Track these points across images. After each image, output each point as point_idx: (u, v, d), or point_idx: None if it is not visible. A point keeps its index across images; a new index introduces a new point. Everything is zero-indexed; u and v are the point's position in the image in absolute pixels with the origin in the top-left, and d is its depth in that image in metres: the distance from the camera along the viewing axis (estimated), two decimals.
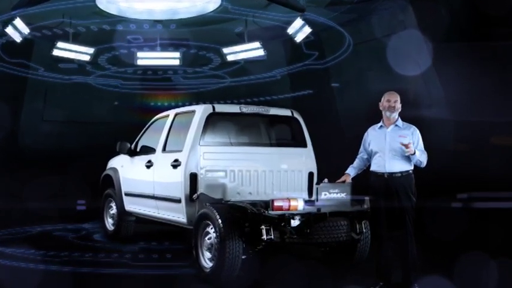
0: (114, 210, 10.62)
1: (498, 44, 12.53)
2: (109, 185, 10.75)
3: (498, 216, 11.30)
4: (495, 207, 11.63)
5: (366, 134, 7.26)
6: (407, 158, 6.84)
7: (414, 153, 6.74)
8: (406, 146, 6.70)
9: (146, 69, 17.59)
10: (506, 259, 7.74)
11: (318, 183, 7.29)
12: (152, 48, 16.25)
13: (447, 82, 13.33)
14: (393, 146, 6.85)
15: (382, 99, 7.06)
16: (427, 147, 6.98)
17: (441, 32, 12.57)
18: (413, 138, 6.91)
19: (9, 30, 13.98)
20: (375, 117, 7.16)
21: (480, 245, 8.93)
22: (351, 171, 7.31)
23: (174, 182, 8.35)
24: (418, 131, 6.97)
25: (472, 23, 12.36)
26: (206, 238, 7.53)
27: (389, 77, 13.51)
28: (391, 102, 6.97)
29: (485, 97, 12.60)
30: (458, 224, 10.51)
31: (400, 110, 7.02)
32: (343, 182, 7.21)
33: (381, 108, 7.07)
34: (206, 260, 7.55)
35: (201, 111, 8.37)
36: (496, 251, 8.31)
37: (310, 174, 8.88)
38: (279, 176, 8.64)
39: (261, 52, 15.62)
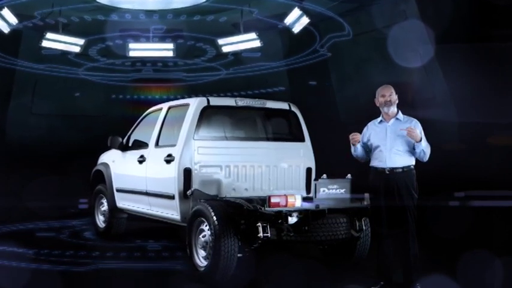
0: (105, 206, 10.57)
1: (497, 44, 12.60)
2: (100, 181, 10.70)
3: (496, 214, 11.34)
4: (492, 206, 11.69)
5: (365, 128, 7.22)
6: (409, 153, 6.81)
7: (420, 140, 6.70)
8: (410, 132, 6.65)
9: (138, 60, 17.53)
10: (507, 257, 7.73)
11: (316, 179, 7.26)
12: (145, 39, 16.19)
13: (448, 79, 13.39)
14: (395, 141, 6.81)
15: (377, 95, 7.02)
16: None
17: (443, 22, 12.56)
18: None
19: None
20: (376, 110, 7.12)
21: (480, 243, 8.94)
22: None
23: (168, 177, 8.32)
24: (419, 124, 6.92)
25: (474, 21, 12.40)
26: (200, 236, 7.51)
27: (390, 68, 13.51)
28: (386, 96, 6.93)
29: (485, 97, 12.66)
30: (456, 222, 10.53)
31: (397, 102, 6.98)
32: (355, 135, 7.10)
33: (377, 105, 7.04)
34: (200, 258, 7.53)
35: (195, 104, 8.33)
36: (497, 248, 8.31)
37: (308, 170, 8.84)
38: (276, 172, 8.61)
39: (257, 43, 15.60)
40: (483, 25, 12.32)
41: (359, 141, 7.05)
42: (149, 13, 15.12)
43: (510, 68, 12.47)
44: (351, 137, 7.06)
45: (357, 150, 7.12)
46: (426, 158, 6.83)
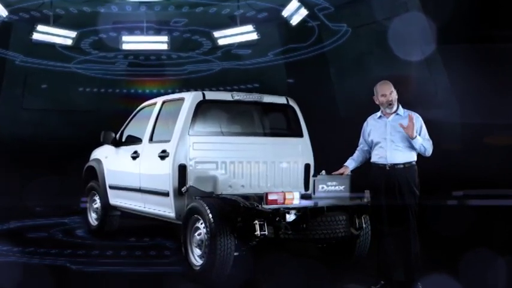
0: (97, 204, 10.56)
1: (498, 45, 12.64)
2: (92, 178, 10.69)
3: (494, 213, 11.36)
4: (491, 205, 11.73)
5: (365, 123, 7.20)
6: (410, 149, 6.79)
7: (415, 137, 6.68)
8: (406, 127, 6.65)
9: (132, 53, 17.48)
10: (509, 256, 7.74)
11: (314, 176, 7.25)
12: (138, 32, 16.15)
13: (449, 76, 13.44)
14: (395, 136, 6.79)
15: (376, 93, 6.96)
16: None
17: (444, 17, 12.56)
18: (416, 126, 6.85)
19: None
20: (375, 104, 7.09)
21: (480, 241, 8.92)
22: (350, 163, 7.25)
23: (162, 174, 8.30)
24: (420, 118, 6.91)
25: (474, 19, 12.42)
26: (196, 234, 7.49)
27: (390, 62, 13.48)
28: (387, 96, 6.87)
29: (485, 97, 12.71)
30: (455, 221, 10.54)
31: (397, 97, 6.94)
32: (341, 174, 7.16)
33: (377, 103, 6.99)
34: (196, 257, 7.51)
35: (190, 98, 8.30)
36: (497, 247, 8.31)
37: (307, 166, 8.83)
38: (273, 168, 8.59)
39: (254, 36, 15.56)
40: (483, 23, 12.34)
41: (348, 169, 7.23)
42: (143, 5, 15.07)
43: (510, 68, 12.51)
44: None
45: (353, 165, 7.22)
46: (428, 153, 6.82)
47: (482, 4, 12.20)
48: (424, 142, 6.77)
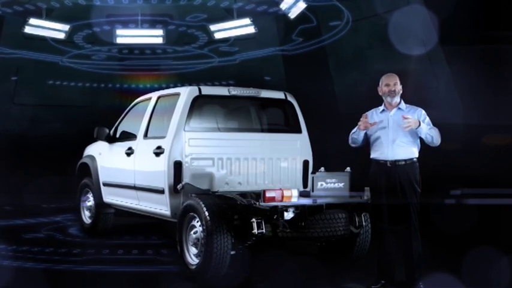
0: (91, 201, 10.54)
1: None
2: (86, 174, 10.66)
3: (493, 211, 11.40)
4: (489, 204, 11.78)
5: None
6: (412, 145, 6.79)
7: (419, 125, 6.67)
8: (407, 122, 6.63)
9: (126, 47, 17.45)
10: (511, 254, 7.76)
11: (313, 173, 7.24)
12: (133, 25, 16.11)
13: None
14: (397, 132, 6.78)
15: (380, 83, 7.00)
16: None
17: (447, 8, 12.55)
18: (419, 119, 6.84)
19: None
20: (376, 100, 7.09)
21: (480, 240, 8.93)
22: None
23: (157, 171, 8.28)
24: (423, 111, 6.91)
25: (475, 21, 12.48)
26: (192, 232, 7.48)
27: (391, 56, 13.47)
28: (391, 86, 6.91)
29: (484, 98, 12.77)
30: (454, 219, 10.55)
31: (401, 92, 6.95)
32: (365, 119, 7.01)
33: (380, 93, 7.01)
34: (192, 256, 7.51)
35: (186, 93, 8.28)
36: (499, 246, 8.32)
37: (305, 163, 8.81)
38: (271, 165, 8.58)
39: (251, 29, 15.54)
40: (484, 23, 12.38)
41: (367, 129, 6.96)
42: None
43: (508, 69, 12.56)
44: (362, 119, 6.94)
45: (360, 134, 7.05)
46: (436, 141, 6.80)
47: (483, 3, 12.22)
48: (429, 130, 6.76)
